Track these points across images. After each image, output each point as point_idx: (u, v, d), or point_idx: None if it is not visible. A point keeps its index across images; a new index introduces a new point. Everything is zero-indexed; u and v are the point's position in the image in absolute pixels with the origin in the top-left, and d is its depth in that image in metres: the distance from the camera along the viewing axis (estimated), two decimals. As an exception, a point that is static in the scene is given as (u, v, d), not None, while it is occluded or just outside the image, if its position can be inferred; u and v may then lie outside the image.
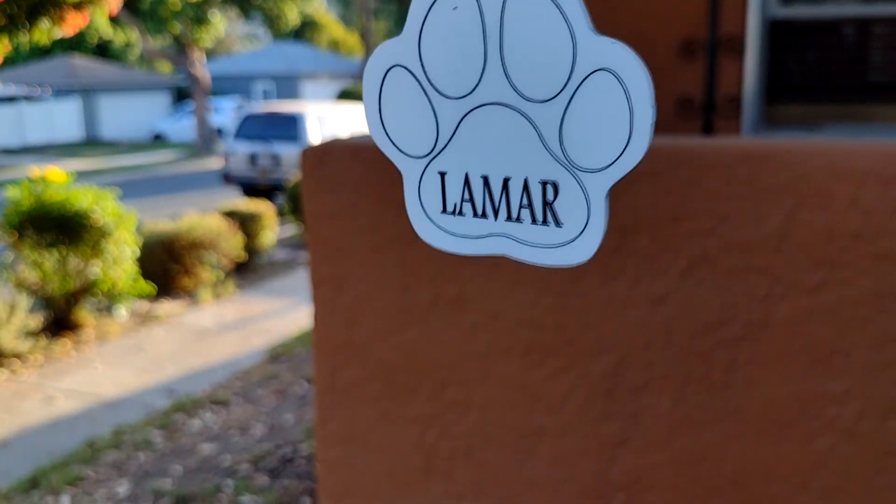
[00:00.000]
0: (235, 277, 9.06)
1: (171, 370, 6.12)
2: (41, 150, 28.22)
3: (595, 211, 0.87)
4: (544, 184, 0.90)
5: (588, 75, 0.84)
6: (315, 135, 13.94)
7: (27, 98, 29.42)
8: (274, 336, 7.01)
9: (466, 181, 0.95)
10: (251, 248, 9.54)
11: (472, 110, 0.92)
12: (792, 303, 1.58)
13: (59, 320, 7.03)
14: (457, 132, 0.94)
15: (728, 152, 1.58)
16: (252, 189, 14.21)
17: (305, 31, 45.59)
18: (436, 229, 1.00)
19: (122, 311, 7.57)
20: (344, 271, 1.97)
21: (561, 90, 0.85)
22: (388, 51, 0.96)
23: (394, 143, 1.00)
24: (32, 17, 4.55)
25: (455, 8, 0.87)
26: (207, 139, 25.52)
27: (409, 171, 0.99)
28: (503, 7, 0.87)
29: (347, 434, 2.06)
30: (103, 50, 37.77)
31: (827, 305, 1.55)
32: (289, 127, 14.16)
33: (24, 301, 6.56)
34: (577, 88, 0.84)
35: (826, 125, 3.14)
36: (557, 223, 0.90)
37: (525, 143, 0.89)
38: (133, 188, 17.90)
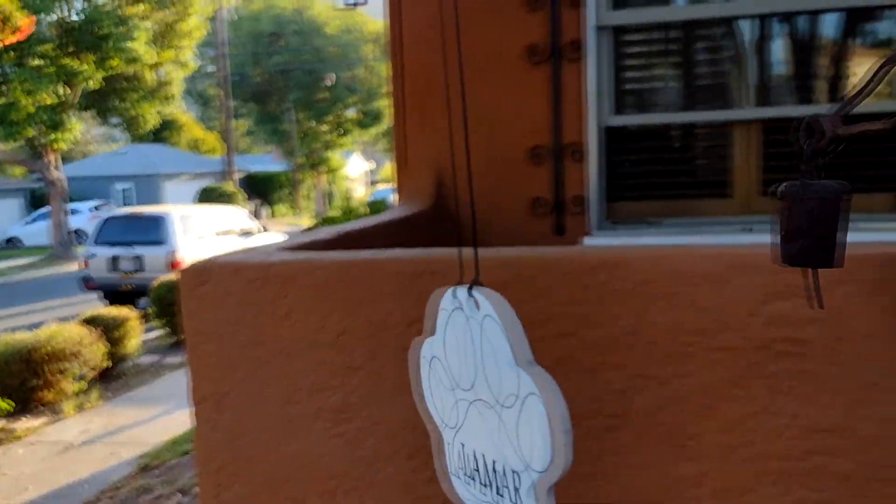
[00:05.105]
0: (100, 387, 8.66)
1: (33, 491, 5.75)
2: None
3: None
4: (514, 472, 1.23)
5: (527, 395, 1.18)
6: (179, 236, 13.69)
7: None
8: (143, 446, 6.72)
9: (474, 456, 1.33)
10: (116, 355, 9.17)
11: (473, 402, 1.30)
12: (647, 395, 1.74)
13: None
14: (467, 416, 1.34)
15: (584, 261, 1.75)
16: (114, 293, 13.70)
17: (164, 131, 44.87)
18: (454, 488, 1.38)
19: (-25, 434, 7.10)
20: (226, 388, 2.00)
21: (514, 402, 1.20)
22: (428, 345, 1.40)
23: (439, 415, 1.41)
24: None
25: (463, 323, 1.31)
26: (65, 243, 24.46)
27: (446, 437, 1.41)
28: (481, 331, 1.25)
29: (234, 551, 2.05)
30: (-52, 153, 35.94)
31: (677, 395, 1.72)
32: (152, 229, 13.83)
33: None
34: (523, 404, 1.18)
35: (662, 220, 3.44)
36: None
37: (501, 437, 1.24)
38: (-16, 297, 16.85)
